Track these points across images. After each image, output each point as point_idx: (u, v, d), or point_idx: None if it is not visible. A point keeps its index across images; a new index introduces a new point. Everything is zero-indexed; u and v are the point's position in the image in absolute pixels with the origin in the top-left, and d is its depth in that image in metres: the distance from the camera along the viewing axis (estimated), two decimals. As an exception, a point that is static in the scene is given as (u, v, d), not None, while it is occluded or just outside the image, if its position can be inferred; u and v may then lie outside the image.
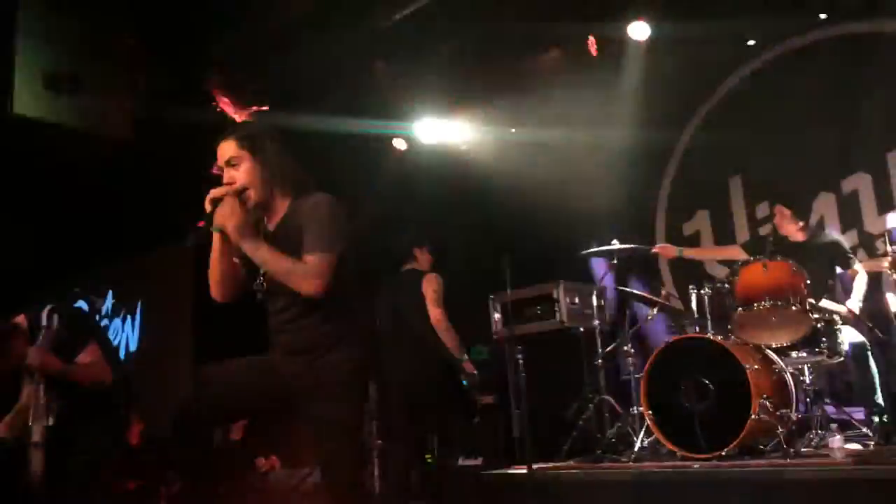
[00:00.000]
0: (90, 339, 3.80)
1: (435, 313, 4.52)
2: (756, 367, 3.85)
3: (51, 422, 3.53)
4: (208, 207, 2.54)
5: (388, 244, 5.06)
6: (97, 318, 9.21)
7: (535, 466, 3.87)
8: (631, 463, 4.07)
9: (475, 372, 4.63)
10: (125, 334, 8.95)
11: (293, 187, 2.66)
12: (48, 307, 3.72)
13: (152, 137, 6.83)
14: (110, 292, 8.66)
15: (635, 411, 4.50)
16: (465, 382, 4.61)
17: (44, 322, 3.65)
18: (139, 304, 8.77)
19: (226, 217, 2.51)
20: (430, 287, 4.62)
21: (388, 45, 6.28)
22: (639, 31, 5.89)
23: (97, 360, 3.77)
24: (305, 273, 2.50)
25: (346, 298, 2.65)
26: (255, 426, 6.22)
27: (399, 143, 7.26)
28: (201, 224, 2.53)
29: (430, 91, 6.75)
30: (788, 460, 3.61)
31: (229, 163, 2.61)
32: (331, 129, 6.53)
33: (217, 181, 2.62)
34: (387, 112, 6.92)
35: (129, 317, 8.91)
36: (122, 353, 8.95)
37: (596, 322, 5.05)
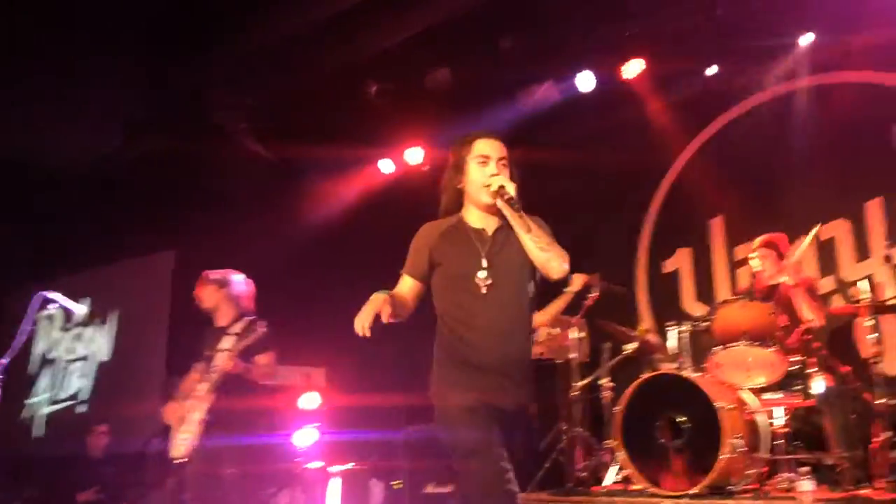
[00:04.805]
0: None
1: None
2: (729, 406, 3.85)
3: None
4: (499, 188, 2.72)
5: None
6: (68, 323, 9.04)
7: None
8: (601, 497, 4.06)
9: None
10: (96, 344, 8.76)
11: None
12: None
13: (141, 148, 6.83)
14: (89, 299, 8.54)
15: (609, 445, 4.48)
16: None
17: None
18: (117, 313, 8.63)
19: (509, 183, 2.72)
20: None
21: (381, 69, 6.33)
22: (632, 69, 6.02)
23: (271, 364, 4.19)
24: (563, 253, 2.66)
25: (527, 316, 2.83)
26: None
27: (386, 166, 7.27)
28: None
29: (421, 116, 6.78)
30: (758, 502, 3.61)
31: (501, 160, 2.80)
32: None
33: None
34: (376, 135, 6.95)
35: (102, 325, 8.73)
36: (93, 363, 8.77)
37: (573, 354, 5.04)
